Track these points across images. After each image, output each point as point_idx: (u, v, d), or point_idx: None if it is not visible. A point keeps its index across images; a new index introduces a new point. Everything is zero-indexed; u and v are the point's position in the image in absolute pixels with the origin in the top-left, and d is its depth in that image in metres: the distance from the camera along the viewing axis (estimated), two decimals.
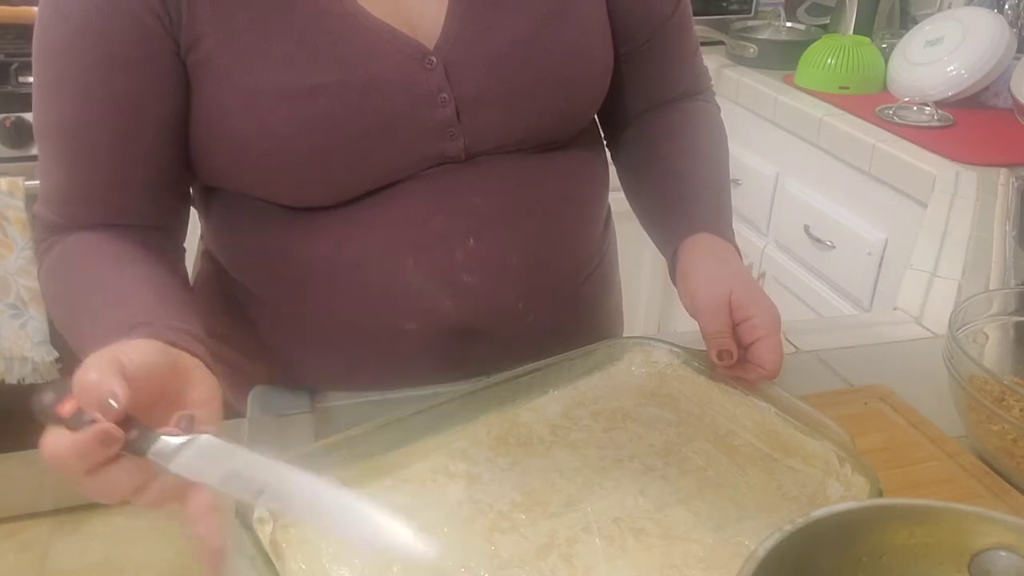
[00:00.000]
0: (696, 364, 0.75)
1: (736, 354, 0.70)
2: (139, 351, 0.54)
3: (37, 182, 1.73)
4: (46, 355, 1.72)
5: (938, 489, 0.68)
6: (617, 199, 0.92)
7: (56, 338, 1.72)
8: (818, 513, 0.49)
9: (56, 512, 2.14)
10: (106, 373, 0.50)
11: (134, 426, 0.51)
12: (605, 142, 0.91)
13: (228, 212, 0.78)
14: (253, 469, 0.52)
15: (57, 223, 0.72)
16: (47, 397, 0.51)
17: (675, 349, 0.76)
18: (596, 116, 0.87)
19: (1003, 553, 0.49)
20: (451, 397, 0.69)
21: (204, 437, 0.52)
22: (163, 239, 0.75)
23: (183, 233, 0.79)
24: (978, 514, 0.50)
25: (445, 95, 0.71)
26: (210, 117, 0.68)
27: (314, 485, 0.51)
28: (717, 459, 0.66)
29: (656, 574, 0.56)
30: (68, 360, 1.76)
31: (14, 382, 1.73)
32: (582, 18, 0.76)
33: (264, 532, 0.56)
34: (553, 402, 0.72)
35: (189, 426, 0.52)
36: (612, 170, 0.90)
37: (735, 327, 0.70)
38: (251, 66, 0.66)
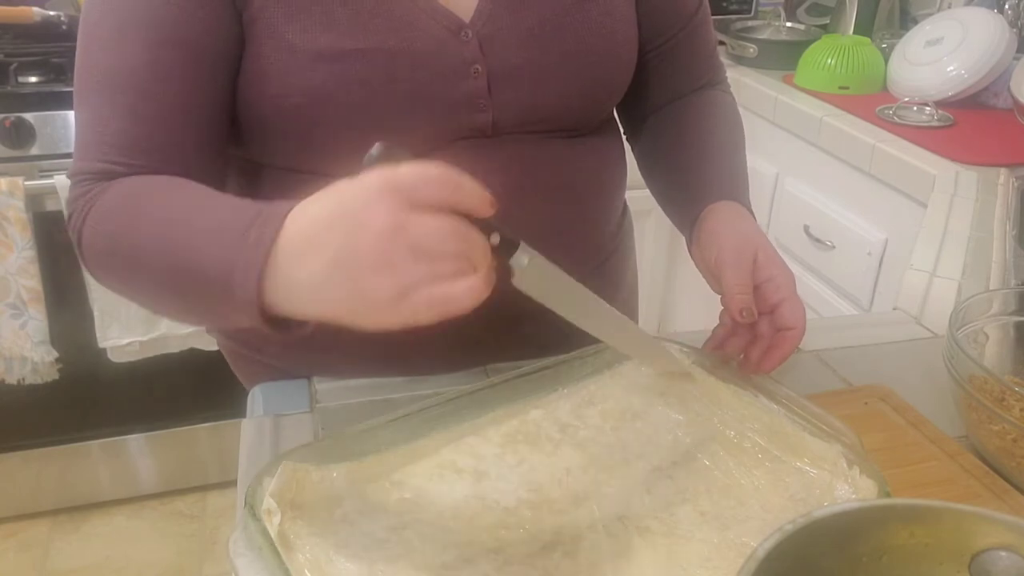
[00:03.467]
0: (706, 364, 0.75)
1: (755, 312, 0.71)
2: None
3: (37, 182, 1.72)
4: (46, 355, 1.72)
5: (938, 489, 0.68)
6: (631, 198, 0.92)
7: (56, 338, 1.72)
8: (818, 513, 0.49)
9: (56, 512, 2.16)
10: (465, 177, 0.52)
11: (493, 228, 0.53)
12: (625, 136, 0.93)
13: (251, 185, 0.79)
14: (586, 299, 0.60)
15: (114, 171, 0.68)
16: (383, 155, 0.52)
17: (685, 349, 0.76)
18: (616, 111, 0.89)
19: (1003, 553, 0.49)
20: (459, 394, 0.69)
21: (542, 259, 0.56)
22: None
23: None
24: (978, 514, 0.50)
25: (478, 67, 0.73)
26: (254, 73, 0.70)
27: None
28: (725, 460, 0.66)
29: (660, 573, 0.56)
30: (68, 360, 1.76)
31: (14, 382, 1.74)
32: (611, 5, 0.78)
33: (272, 523, 0.56)
34: (562, 400, 0.73)
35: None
36: (628, 168, 0.91)
37: (756, 288, 0.72)
38: (296, 25, 0.69)
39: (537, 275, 0.56)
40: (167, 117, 0.68)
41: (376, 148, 0.52)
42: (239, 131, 0.74)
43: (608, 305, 0.62)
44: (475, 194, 0.52)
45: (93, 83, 0.68)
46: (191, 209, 0.62)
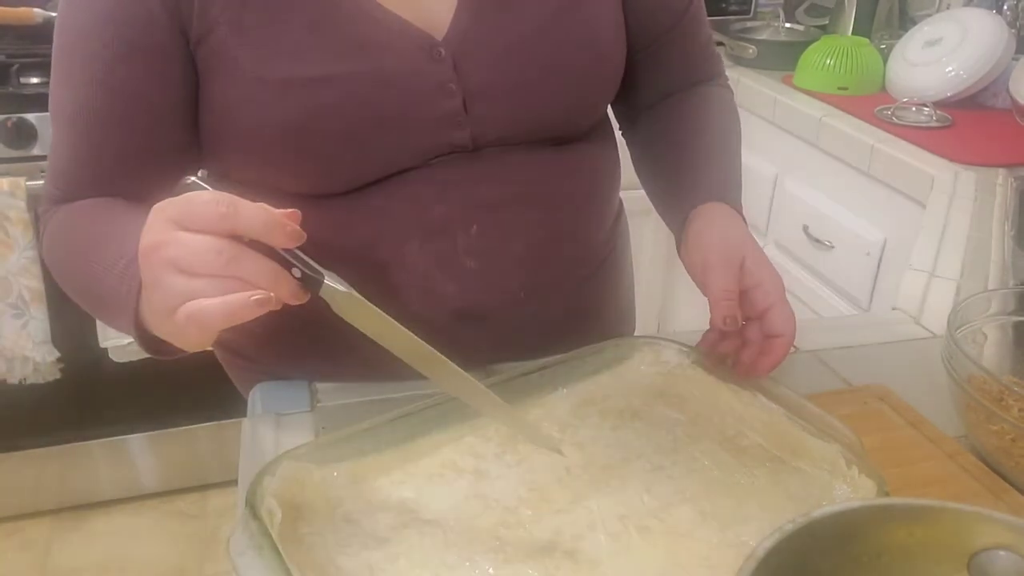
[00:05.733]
0: (706, 364, 0.75)
1: (740, 320, 0.70)
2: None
3: (39, 182, 1.73)
4: (47, 355, 1.72)
5: (937, 489, 0.68)
6: (630, 198, 0.92)
7: (58, 338, 1.73)
8: (818, 513, 0.49)
9: (57, 511, 2.16)
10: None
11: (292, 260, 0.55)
12: (620, 131, 0.92)
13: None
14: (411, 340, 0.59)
15: (60, 197, 0.74)
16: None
17: (684, 348, 0.76)
18: (611, 109, 0.88)
19: (1002, 553, 0.49)
20: None
21: (355, 294, 0.57)
22: None
23: None
24: (977, 514, 0.50)
25: (453, 85, 0.72)
26: (221, 106, 0.69)
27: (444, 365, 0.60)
28: (724, 459, 0.67)
29: (660, 572, 0.57)
30: (69, 360, 1.76)
31: (15, 382, 1.74)
32: (593, 14, 0.77)
33: (273, 523, 0.56)
34: (562, 400, 0.73)
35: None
36: (625, 168, 0.90)
37: (744, 293, 0.71)
38: (262, 56, 0.68)
39: (352, 309, 0.58)
40: (105, 155, 0.72)
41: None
42: (217, 158, 0.75)
43: (439, 355, 0.60)
44: (259, 223, 0.53)
45: (52, 111, 0.73)
46: (97, 240, 0.68)
